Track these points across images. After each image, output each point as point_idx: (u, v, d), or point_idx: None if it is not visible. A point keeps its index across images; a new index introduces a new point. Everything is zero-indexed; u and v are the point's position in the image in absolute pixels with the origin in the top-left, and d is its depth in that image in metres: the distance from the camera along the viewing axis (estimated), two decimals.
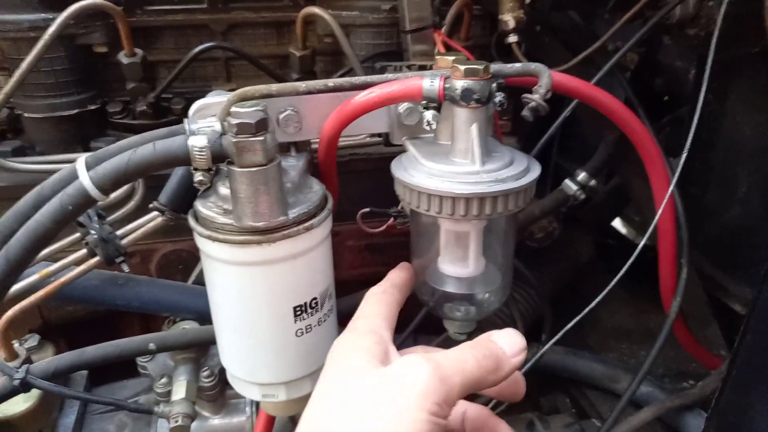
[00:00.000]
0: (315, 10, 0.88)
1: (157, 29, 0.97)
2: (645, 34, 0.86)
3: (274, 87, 0.62)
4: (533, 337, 0.92)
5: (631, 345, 1.25)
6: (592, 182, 1.00)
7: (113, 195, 0.78)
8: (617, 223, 1.62)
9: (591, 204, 1.34)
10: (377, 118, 0.69)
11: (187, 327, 0.82)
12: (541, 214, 0.97)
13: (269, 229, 0.55)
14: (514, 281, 1.03)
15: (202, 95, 0.95)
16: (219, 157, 0.54)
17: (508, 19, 0.86)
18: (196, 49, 0.88)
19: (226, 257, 0.57)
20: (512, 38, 0.87)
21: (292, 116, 0.65)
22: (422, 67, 0.77)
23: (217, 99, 0.63)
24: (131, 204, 0.80)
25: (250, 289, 0.58)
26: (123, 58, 0.90)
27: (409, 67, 0.81)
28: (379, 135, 0.72)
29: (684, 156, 0.72)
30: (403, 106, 0.67)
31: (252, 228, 0.54)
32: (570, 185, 0.99)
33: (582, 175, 1.00)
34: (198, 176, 0.54)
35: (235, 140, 0.51)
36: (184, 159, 0.53)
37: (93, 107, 0.94)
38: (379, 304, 0.58)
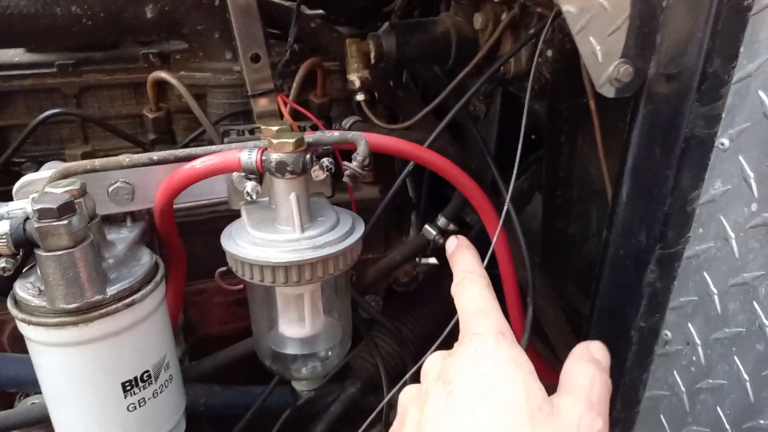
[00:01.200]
0: (162, 74, 0.89)
1: (6, 94, 0.95)
2: (483, 86, 0.92)
3: (98, 162, 0.63)
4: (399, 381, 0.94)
5: None
6: (451, 226, 1.05)
7: None
8: None
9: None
10: (216, 183, 0.71)
11: (36, 401, 0.80)
12: (402, 260, 1.00)
13: (84, 309, 0.55)
14: (376, 330, 1.06)
15: (58, 158, 0.95)
16: (26, 242, 0.53)
17: (354, 79, 0.91)
18: (39, 117, 0.87)
19: (43, 339, 0.56)
20: (360, 97, 0.91)
21: (123, 188, 0.66)
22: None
23: (41, 175, 0.63)
24: None
25: (71, 369, 0.57)
26: None
27: (252, 131, 0.83)
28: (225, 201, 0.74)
29: (509, 196, 0.77)
30: (235, 174, 0.69)
31: (65, 310, 0.54)
32: (429, 230, 1.03)
33: (441, 220, 1.05)
34: (0, 263, 0.53)
35: (37, 225, 0.52)
36: None
37: None
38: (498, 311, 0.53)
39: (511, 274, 0.86)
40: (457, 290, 0.55)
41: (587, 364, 0.51)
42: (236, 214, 0.71)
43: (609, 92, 0.61)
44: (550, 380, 1.06)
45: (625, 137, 0.63)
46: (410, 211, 1.48)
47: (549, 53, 0.82)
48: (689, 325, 0.64)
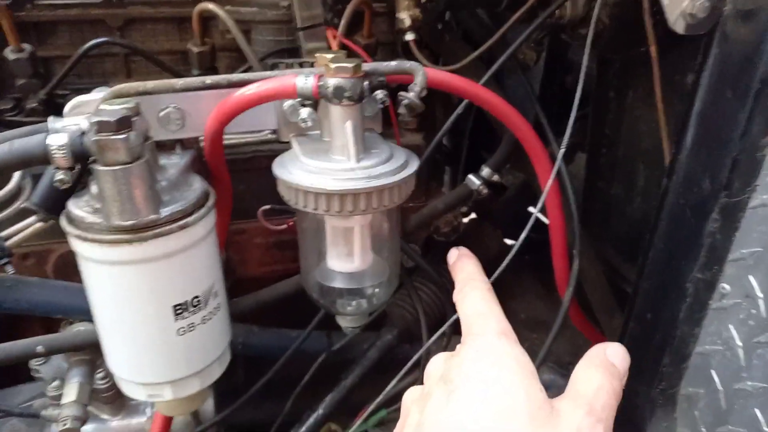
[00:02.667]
0: (210, 6, 0.87)
1: (50, 24, 0.94)
2: (535, 33, 0.89)
3: (150, 84, 0.62)
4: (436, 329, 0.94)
5: (543, 335, 1.29)
6: (495, 177, 1.03)
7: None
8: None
9: (503, 198, 1.38)
10: (266, 114, 0.70)
11: (81, 328, 0.81)
12: (445, 209, 0.99)
13: (139, 228, 0.54)
14: (418, 278, 1.05)
15: None
16: (83, 156, 0.53)
17: (404, 17, 0.88)
18: (86, 46, 0.86)
19: (97, 257, 0.56)
20: (409, 36, 0.89)
21: (174, 113, 0.65)
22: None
23: (93, 96, 0.62)
24: (17, 204, 0.77)
25: (124, 289, 0.57)
26: (9, 53, 0.87)
27: (301, 65, 0.81)
28: (274, 132, 0.73)
29: (562, 151, 0.75)
30: (287, 104, 0.67)
31: (120, 227, 0.54)
32: (473, 180, 1.01)
33: (485, 170, 1.02)
34: (59, 175, 0.53)
35: (95, 138, 0.51)
36: (43, 158, 0.52)
37: None
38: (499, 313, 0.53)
39: (560, 224, 0.84)
40: (459, 296, 0.56)
41: (598, 369, 0.50)
42: (279, 152, 0.70)
43: (681, 28, 0.58)
44: (592, 339, 1.05)
45: (693, 79, 0.60)
46: (444, 164, 1.46)
47: None
48: (750, 277, 0.62)
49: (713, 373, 0.68)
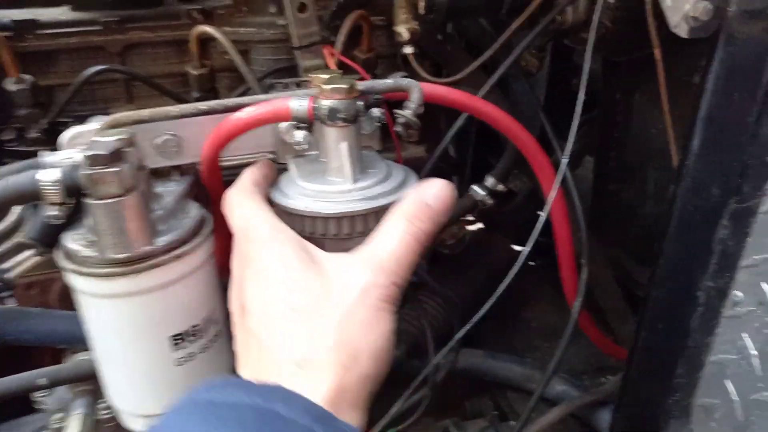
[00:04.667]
0: (207, 29, 0.87)
1: (52, 53, 0.95)
2: (537, 39, 0.88)
3: (146, 112, 0.62)
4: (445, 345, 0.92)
5: (556, 343, 1.26)
6: (500, 186, 1.02)
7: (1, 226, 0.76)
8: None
9: (510, 207, 1.36)
10: (263, 137, 0.69)
11: (84, 358, 0.80)
12: (449, 221, 0.97)
13: (134, 260, 0.54)
14: (423, 293, 1.04)
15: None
16: (76, 190, 0.52)
17: (402, 31, 0.87)
18: (85, 75, 0.87)
19: (92, 290, 0.55)
20: (408, 49, 0.88)
21: (170, 140, 0.64)
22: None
23: (88, 127, 0.62)
24: (18, 236, 0.77)
25: (121, 321, 0.57)
26: (10, 84, 0.87)
27: (299, 84, 0.81)
28: (272, 153, 0.72)
29: (565, 161, 0.73)
30: (282, 126, 0.66)
31: (114, 260, 0.53)
32: (477, 190, 1.00)
33: (490, 180, 1.01)
34: (51, 211, 0.53)
35: (88, 172, 0.50)
36: (36, 194, 0.51)
37: None
38: (257, 201, 0.58)
39: (567, 235, 0.82)
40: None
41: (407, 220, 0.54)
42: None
43: (683, 32, 0.56)
44: (604, 348, 1.02)
45: (699, 82, 0.59)
46: (451, 173, 1.45)
47: None
48: (763, 284, 0.61)
49: (728, 383, 0.67)
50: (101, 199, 0.51)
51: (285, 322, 0.49)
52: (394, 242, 0.52)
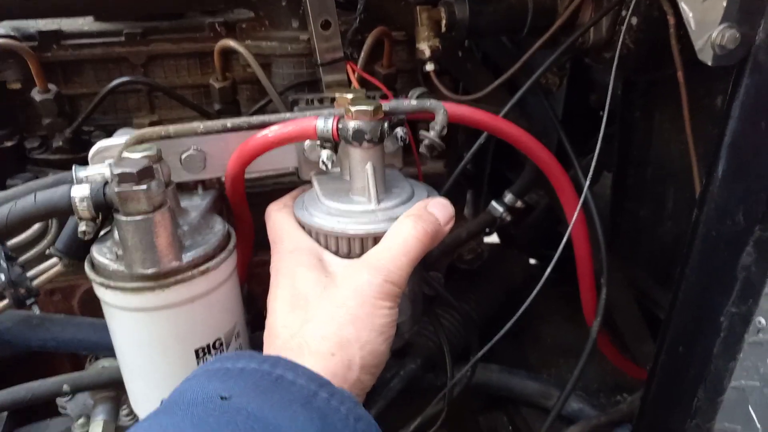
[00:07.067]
0: (230, 43, 0.88)
1: (76, 63, 0.95)
2: (559, 59, 0.88)
3: (172, 128, 0.62)
4: (463, 359, 0.92)
5: (571, 360, 1.26)
6: (518, 203, 1.02)
7: (24, 235, 0.77)
8: None
9: (527, 223, 1.36)
10: (286, 153, 0.70)
11: (107, 365, 0.81)
12: (468, 237, 0.98)
13: (161, 275, 0.54)
14: (440, 307, 1.04)
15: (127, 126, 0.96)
16: (105, 206, 0.53)
17: (424, 48, 0.87)
18: (110, 85, 0.88)
19: (120, 303, 0.56)
20: (429, 67, 0.88)
21: (195, 155, 0.65)
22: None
23: (116, 141, 0.63)
24: (44, 243, 0.78)
25: (146, 334, 0.57)
26: (36, 94, 0.88)
27: (321, 101, 0.81)
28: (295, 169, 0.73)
29: (588, 180, 0.73)
30: (306, 143, 0.67)
31: (142, 275, 0.54)
32: (496, 207, 1.00)
33: (508, 197, 1.01)
34: (82, 226, 0.53)
35: (118, 190, 0.51)
36: (66, 210, 0.52)
37: (9, 144, 0.92)
38: (289, 217, 0.63)
39: (587, 255, 0.82)
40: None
41: (413, 223, 0.57)
42: (298, 186, 0.70)
43: (708, 58, 0.56)
44: (627, 371, 1.02)
45: (724, 109, 0.58)
46: (467, 188, 1.45)
47: (634, 20, 0.78)
48: None
49: (751, 410, 0.66)
50: (130, 215, 0.52)
51: (287, 310, 0.55)
52: (391, 243, 0.56)
